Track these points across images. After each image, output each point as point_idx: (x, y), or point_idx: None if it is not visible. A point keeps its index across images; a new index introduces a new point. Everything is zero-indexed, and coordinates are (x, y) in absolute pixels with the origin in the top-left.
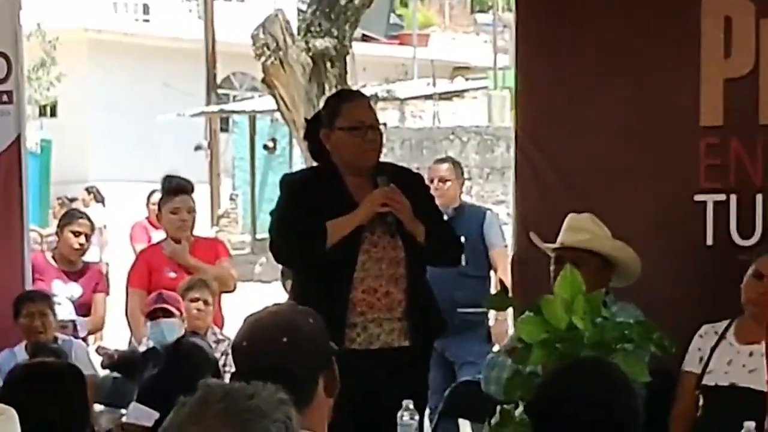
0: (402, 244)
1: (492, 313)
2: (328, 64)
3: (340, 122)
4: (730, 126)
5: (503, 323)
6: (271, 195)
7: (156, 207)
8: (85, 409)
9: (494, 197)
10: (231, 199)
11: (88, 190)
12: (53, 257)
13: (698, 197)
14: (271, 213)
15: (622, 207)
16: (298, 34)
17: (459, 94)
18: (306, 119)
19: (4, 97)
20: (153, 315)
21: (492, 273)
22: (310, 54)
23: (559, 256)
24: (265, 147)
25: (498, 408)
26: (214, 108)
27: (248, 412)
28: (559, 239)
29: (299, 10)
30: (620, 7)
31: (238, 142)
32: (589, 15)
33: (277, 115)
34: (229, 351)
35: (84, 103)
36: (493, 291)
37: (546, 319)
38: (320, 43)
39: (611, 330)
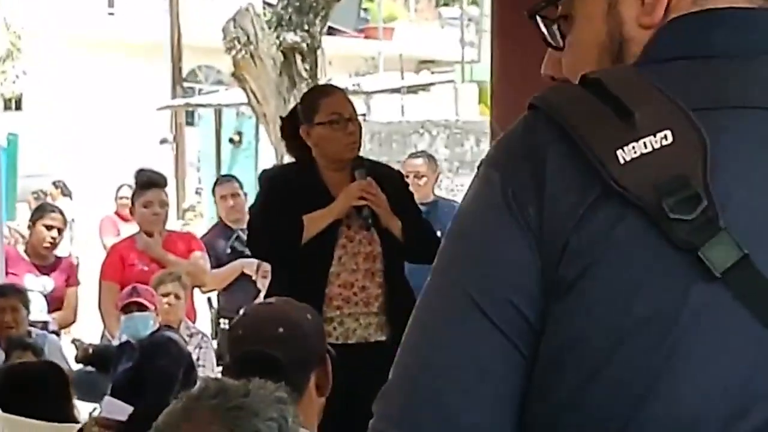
0: (378, 239)
1: None
2: (299, 58)
3: (320, 117)
4: None
5: None
6: None
7: (124, 201)
8: (68, 407)
9: (463, 191)
10: (197, 192)
11: (55, 184)
12: (25, 251)
13: None
14: (250, 208)
15: None
16: (269, 27)
17: (425, 87)
18: (281, 117)
19: None
20: (127, 309)
21: None
22: (281, 48)
23: None
24: (231, 140)
25: None
26: (180, 101)
27: (239, 409)
28: None
29: (266, 3)
30: None
31: (204, 135)
32: None
33: (243, 108)
34: (203, 345)
35: (49, 97)
36: None
37: None
38: (291, 37)
39: None
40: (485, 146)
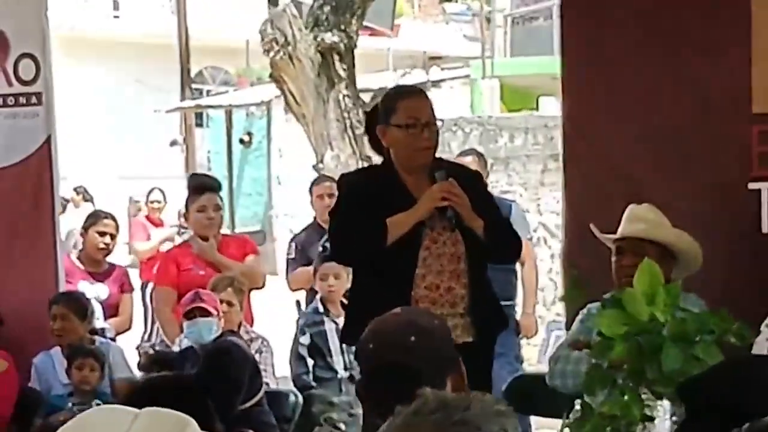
0: (462, 239)
1: (519, 306)
2: (337, 58)
3: (396, 119)
4: None
5: (530, 316)
6: (248, 189)
7: (155, 205)
8: (210, 420)
9: (499, 187)
10: None
11: (77, 190)
12: (78, 258)
13: (752, 185)
14: (330, 212)
15: (672, 197)
16: (306, 28)
17: (436, 84)
18: (365, 112)
19: (34, 99)
20: (190, 314)
21: (518, 266)
22: (319, 48)
23: (619, 247)
24: (241, 141)
25: (578, 402)
26: (191, 103)
27: (463, 424)
28: (619, 230)
29: (298, 3)
30: None
31: (213, 136)
32: (635, 0)
33: (253, 108)
34: (263, 349)
35: (57, 102)
36: (519, 284)
37: (627, 312)
38: (329, 37)
39: (692, 322)
40: (519, 142)
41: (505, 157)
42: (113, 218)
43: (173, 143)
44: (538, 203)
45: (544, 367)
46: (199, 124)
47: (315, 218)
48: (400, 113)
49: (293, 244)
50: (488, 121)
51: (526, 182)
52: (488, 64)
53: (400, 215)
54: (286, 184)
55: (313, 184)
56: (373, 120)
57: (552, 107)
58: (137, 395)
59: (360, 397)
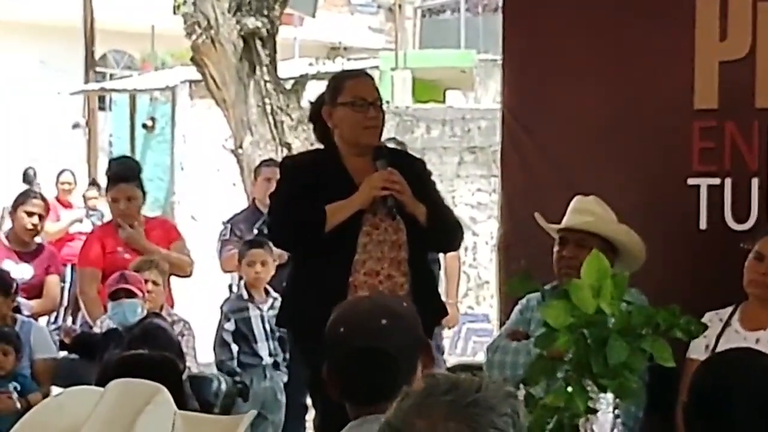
0: (404, 228)
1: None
2: (259, 43)
3: (343, 98)
4: (725, 109)
5: (452, 306)
6: (150, 174)
7: (66, 186)
8: (181, 400)
9: None
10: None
11: None
12: (7, 237)
13: (691, 181)
14: (271, 195)
15: (612, 189)
16: (229, 12)
17: None
18: (310, 101)
19: None
20: (115, 295)
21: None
22: (241, 33)
23: (563, 237)
24: (144, 126)
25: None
26: (95, 86)
27: (475, 405)
28: (564, 220)
29: None
30: None
31: (116, 120)
32: None
33: (157, 94)
34: (185, 332)
35: None
36: (442, 275)
37: (574, 303)
38: (251, 22)
39: (638, 315)
40: (436, 134)
41: (421, 149)
42: (43, 198)
43: (75, 126)
44: (453, 195)
45: (454, 359)
46: (102, 108)
47: (253, 200)
48: (346, 92)
49: (229, 225)
50: (405, 112)
51: (442, 174)
52: (400, 55)
53: (339, 203)
54: (189, 171)
55: (260, 165)
56: (318, 108)
57: (458, 100)
58: (112, 372)
59: (331, 380)
